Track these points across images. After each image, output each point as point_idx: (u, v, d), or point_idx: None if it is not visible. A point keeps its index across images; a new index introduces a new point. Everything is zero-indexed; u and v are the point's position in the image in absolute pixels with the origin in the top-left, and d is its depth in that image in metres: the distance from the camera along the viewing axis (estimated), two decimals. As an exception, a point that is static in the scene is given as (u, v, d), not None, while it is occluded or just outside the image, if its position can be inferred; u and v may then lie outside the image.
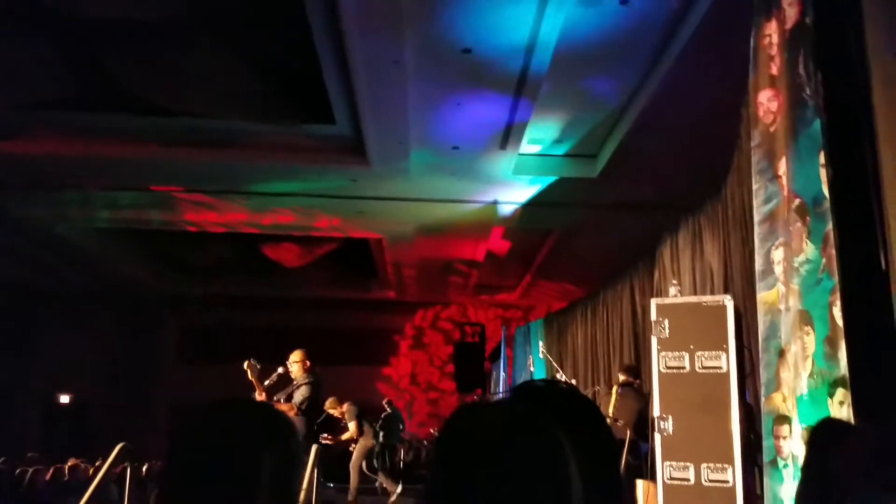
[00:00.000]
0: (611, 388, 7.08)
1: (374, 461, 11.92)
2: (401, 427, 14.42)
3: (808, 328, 3.89)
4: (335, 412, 10.72)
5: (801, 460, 3.11)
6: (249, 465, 1.27)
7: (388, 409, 14.09)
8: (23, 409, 18.25)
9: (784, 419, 4.10)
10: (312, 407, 7.24)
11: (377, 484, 11.61)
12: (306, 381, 7.13)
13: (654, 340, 6.01)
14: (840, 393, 3.60)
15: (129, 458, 4.98)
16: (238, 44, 8.05)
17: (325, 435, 9.81)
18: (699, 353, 5.74)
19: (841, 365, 3.59)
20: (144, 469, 11.13)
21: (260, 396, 6.78)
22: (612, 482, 1.38)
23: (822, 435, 2.70)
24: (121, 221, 13.32)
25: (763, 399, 4.39)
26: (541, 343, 11.78)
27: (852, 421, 3.48)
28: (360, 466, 10.95)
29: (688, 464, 5.58)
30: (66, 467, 10.00)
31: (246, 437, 1.30)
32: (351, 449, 10.89)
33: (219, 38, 7.90)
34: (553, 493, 1.01)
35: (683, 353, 5.80)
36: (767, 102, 4.44)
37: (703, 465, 5.50)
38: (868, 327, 3.59)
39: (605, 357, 10.74)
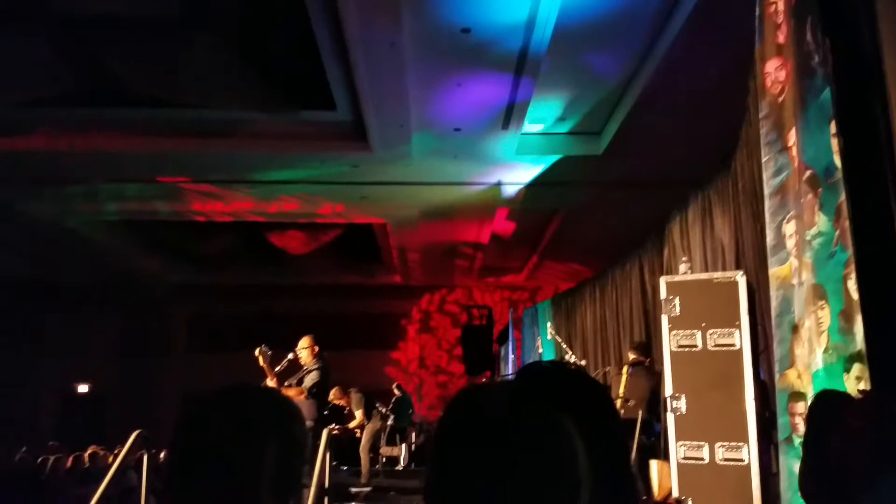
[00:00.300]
0: (621, 369, 7.02)
1: (382, 443, 11.96)
2: (410, 411, 14.45)
3: (822, 302, 3.81)
4: (340, 402, 10.73)
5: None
6: (252, 450, 1.27)
7: (398, 393, 14.11)
8: (39, 399, 18.48)
9: (799, 396, 4.02)
10: (322, 391, 7.29)
11: (381, 462, 11.62)
12: (316, 366, 7.18)
13: (664, 319, 5.94)
14: (857, 368, 3.52)
15: (146, 444, 4.99)
16: (235, 33, 8.01)
17: (334, 425, 9.83)
18: (711, 330, 5.68)
19: (857, 339, 3.51)
20: (162, 455, 11.20)
21: (271, 382, 6.81)
22: (620, 464, 1.36)
23: (820, 409, 2.63)
24: (128, 213, 13.39)
25: (777, 376, 4.32)
26: (549, 324, 11.73)
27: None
28: (370, 448, 10.99)
29: (702, 443, 5.53)
30: (86, 455, 10.07)
31: (249, 423, 1.30)
32: (358, 435, 10.91)
33: (216, 28, 7.86)
34: (559, 476, 0.98)
35: (695, 331, 5.73)
36: (775, 72, 4.34)
37: (718, 444, 5.45)
38: (884, 300, 3.49)
39: (615, 337, 10.67)
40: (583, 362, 9.65)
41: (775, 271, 4.35)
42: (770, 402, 5.21)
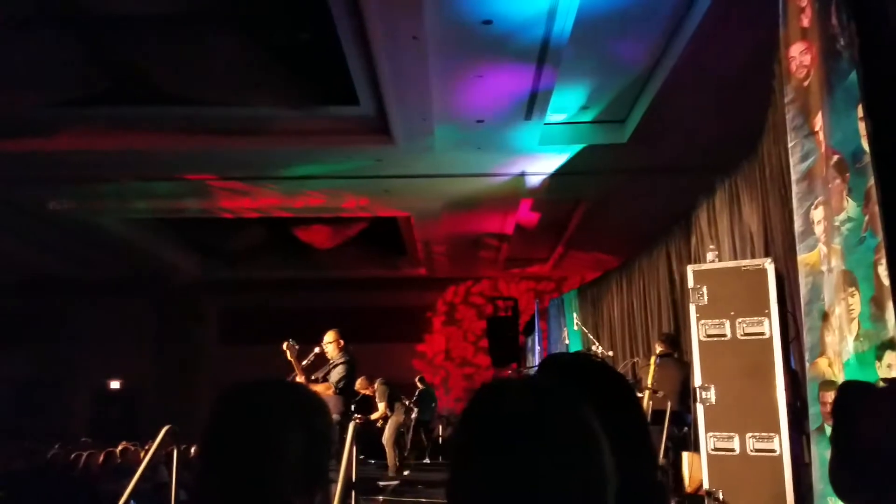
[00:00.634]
0: (649, 360, 6.96)
1: (405, 437, 11.99)
2: (433, 403, 14.48)
3: (852, 289, 3.75)
4: (367, 392, 10.80)
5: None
6: (278, 444, 1.28)
7: (421, 386, 14.13)
8: (72, 396, 18.80)
9: (830, 384, 3.96)
10: (349, 385, 7.32)
11: (406, 456, 11.65)
12: (342, 360, 7.21)
13: (692, 308, 5.88)
14: (889, 356, 3.46)
15: (176, 439, 5.05)
16: (259, 30, 8.06)
17: (357, 415, 9.88)
18: (740, 319, 5.60)
19: (889, 326, 3.45)
20: (193, 450, 11.33)
21: (299, 377, 6.85)
22: (644, 459, 1.34)
23: (846, 399, 2.58)
24: (157, 211, 13.59)
25: (808, 364, 4.26)
26: (575, 315, 11.67)
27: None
28: (395, 441, 11.02)
29: (732, 434, 5.47)
30: (118, 451, 10.21)
31: (275, 416, 1.31)
32: (379, 425, 10.96)
33: (240, 25, 7.91)
34: (583, 469, 0.96)
35: (724, 320, 5.66)
36: (799, 56, 4.26)
37: (748, 435, 5.38)
38: (917, 285, 3.43)
39: (643, 327, 10.59)
40: (610, 353, 9.60)
41: (804, 258, 4.28)
42: (801, 392, 5.14)
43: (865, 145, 3.59)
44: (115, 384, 19.29)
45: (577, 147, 9.97)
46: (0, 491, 8.32)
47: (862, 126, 3.61)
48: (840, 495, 2.70)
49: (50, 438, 12.81)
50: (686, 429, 6.50)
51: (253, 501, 1.27)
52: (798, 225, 4.33)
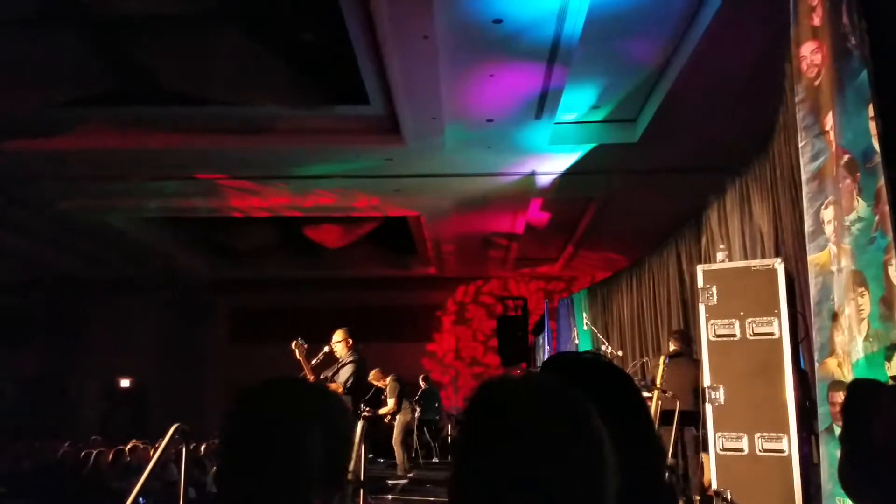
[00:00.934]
0: (659, 360, 6.94)
1: (412, 436, 12.00)
2: (437, 403, 14.47)
3: (862, 289, 3.73)
4: (379, 384, 10.83)
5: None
6: (298, 442, 1.28)
7: (424, 385, 14.13)
8: (83, 394, 18.90)
9: (839, 385, 3.95)
10: (358, 385, 7.33)
11: (414, 454, 11.67)
12: (350, 359, 7.23)
13: (701, 308, 5.86)
14: (899, 356, 3.45)
15: (185, 438, 5.06)
16: (270, 30, 8.08)
17: (367, 408, 9.90)
18: (750, 319, 5.58)
19: (899, 327, 3.44)
20: (203, 448, 11.39)
21: (308, 376, 6.87)
22: (650, 455, 1.33)
23: (855, 399, 2.57)
24: (168, 210, 13.63)
25: (817, 365, 4.24)
26: (585, 315, 11.66)
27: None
28: (402, 440, 11.03)
29: (741, 434, 5.45)
30: (127, 449, 10.27)
31: (296, 415, 1.31)
32: (387, 421, 10.98)
33: (250, 25, 7.93)
34: (583, 468, 0.96)
35: (733, 320, 5.64)
36: (810, 55, 4.24)
37: (757, 435, 5.37)
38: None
39: (653, 327, 10.58)
40: (619, 353, 9.58)
41: (814, 258, 4.27)
42: (810, 392, 5.13)
43: (876, 145, 3.58)
44: (125, 382, 19.36)
45: (588, 146, 9.95)
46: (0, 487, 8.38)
47: (872, 125, 3.60)
48: (849, 494, 2.69)
49: (60, 437, 12.91)
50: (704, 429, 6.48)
51: (274, 501, 1.27)
52: (808, 225, 4.32)
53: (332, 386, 6.95)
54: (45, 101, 9.02)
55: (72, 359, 18.79)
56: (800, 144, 4.42)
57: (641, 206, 11.84)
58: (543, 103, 8.72)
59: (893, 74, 3.62)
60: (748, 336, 5.57)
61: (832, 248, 4.06)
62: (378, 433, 11.15)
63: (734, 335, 5.63)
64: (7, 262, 16.12)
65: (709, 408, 5.67)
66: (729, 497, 5.40)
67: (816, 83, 4.21)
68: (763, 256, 6.69)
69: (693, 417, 6.49)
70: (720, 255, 6.46)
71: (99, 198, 12.45)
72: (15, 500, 8.73)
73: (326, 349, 7.38)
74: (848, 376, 3.87)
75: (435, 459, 13.66)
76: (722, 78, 7.61)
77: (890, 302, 3.50)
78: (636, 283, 11.58)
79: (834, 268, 4.02)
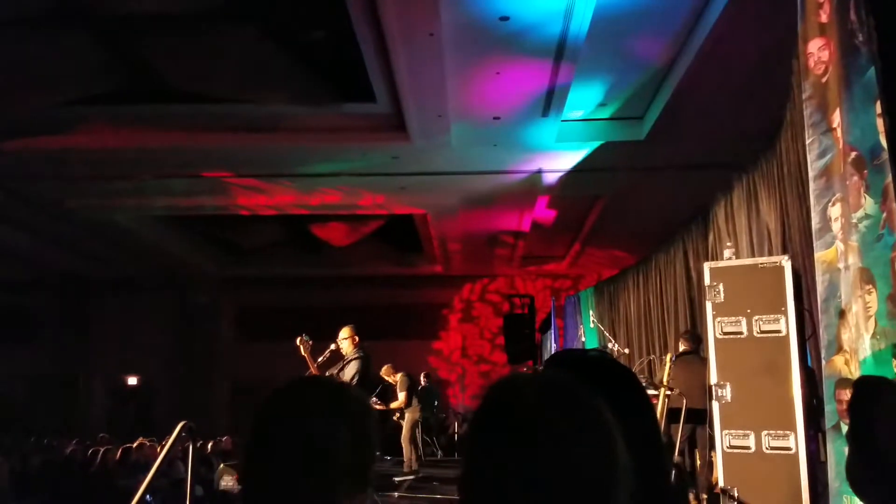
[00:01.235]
0: (666, 357, 6.94)
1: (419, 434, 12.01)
2: (435, 402, 14.47)
3: (869, 287, 3.72)
4: (389, 379, 10.84)
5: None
6: (327, 442, 1.27)
7: (425, 383, 14.13)
8: (90, 392, 18.98)
9: (846, 382, 3.93)
10: (363, 382, 7.33)
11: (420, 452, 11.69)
12: (356, 356, 7.24)
13: (708, 306, 5.85)
14: (906, 354, 3.43)
15: (192, 435, 5.07)
16: (276, 28, 8.09)
17: (376, 400, 9.92)
18: (757, 316, 5.57)
19: (906, 324, 3.43)
20: (210, 446, 11.44)
21: (313, 372, 6.89)
22: (655, 452, 1.33)
23: (862, 396, 2.55)
24: (175, 209, 13.66)
25: (824, 362, 4.23)
26: (591, 312, 11.63)
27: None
28: (410, 438, 11.04)
29: (748, 431, 5.44)
30: (134, 446, 10.31)
31: (324, 415, 1.30)
32: (396, 418, 10.99)
33: (256, 23, 7.94)
34: (596, 465, 0.96)
35: (740, 317, 5.63)
36: (818, 52, 4.23)
37: (764, 433, 5.36)
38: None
39: (660, 325, 10.55)
40: (626, 351, 9.56)
41: (821, 255, 4.25)
42: (817, 390, 5.11)
43: (883, 142, 3.57)
44: (132, 380, 19.43)
45: (595, 144, 9.94)
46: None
47: (880, 122, 3.59)
48: (857, 493, 2.68)
49: (68, 435, 12.97)
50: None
51: (304, 502, 1.26)
52: (815, 222, 4.30)
53: None
54: (51, 99, 9.05)
55: (79, 357, 18.88)
56: (807, 141, 4.40)
57: (648, 203, 11.83)
58: (550, 101, 8.71)
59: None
60: (755, 333, 5.56)
61: (839, 245, 4.04)
62: (385, 429, 11.17)
63: (741, 332, 5.62)
64: (15, 260, 16.20)
65: (716, 405, 5.67)
66: (736, 495, 5.39)
67: (824, 80, 4.20)
68: (770, 254, 6.67)
69: (705, 415, 6.48)
70: (727, 253, 6.44)
71: (105, 196, 12.49)
72: (23, 497, 8.77)
73: (333, 347, 7.39)
74: (855, 373, 3.86)
75: (440, 454, 13.66)
76: (729, 75, 7.59)
77: (898, 299, 3.49)
78: (643, 280, 11.56)
79: (841, 265, 4.01)
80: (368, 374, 7.63)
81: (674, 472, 5.71)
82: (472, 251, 16.49)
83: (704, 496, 6.53)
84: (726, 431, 5.58)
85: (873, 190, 3.67)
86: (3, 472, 8.58)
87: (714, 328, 5.76)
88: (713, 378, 5.72)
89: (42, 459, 10.33)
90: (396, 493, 8.78)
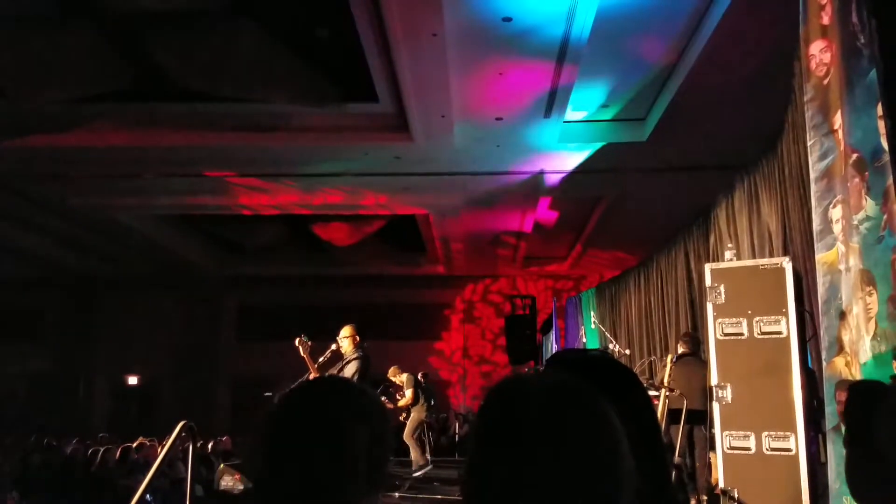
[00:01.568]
0: (666, 358, 6.95)
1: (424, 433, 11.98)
2: (432, 402, 14.45)
3: (870, 288, 3.73)
4: (397, 380, 10.85)
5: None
6: (344, 442, 1.27)
7: (421, 382, 14.11)
8: (91, 391, 18.99)
9: (846, 384, 3.94)
10: (362, 381, 7.31)
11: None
12: (356, 355, 7.22)
13: (709, 307, 5.86)
14: (906, 356, 3.44)
15: (192, 435, 5.07)
16: (280, 28, 8.10)
17: (385, 399, 9.91)
18: (758, 318, 5.57)
19: (907, 326, 3.43)
20: (210, 446, 11.44)
21: (312, 373, 6.89)
22: (656, 452, 1.33)
23: (859, 399, 2.56)
24: (177, 207, 13.67)
25: (825, 363, 4.24)
26: (593, 313, 11.64)
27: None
28: (416, 436, 11.03)
29: (748, 432, 5.44)
30: (135, 446, 10.33)
31: (342, 415, 1.30)
32: (402, 418, 10.99)
33: (260, 22, 7.95)
34: (600, 465, 0.96)
35: (741, 318, 5.63)
36: (819, 54, 4.23)
37: (765, 434, 5.36)
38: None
39: (661, 326, 10.56)
40: (627, 352, 9.57)
41: (822, 257, 4.26)
42: (818, 391, 5.11)
43: (885, 143, 3.57)
44: (133, 380, 19.43)
45: (597, 145, 9.94)
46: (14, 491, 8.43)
47: (881, 124, 3.60)
48: (856, 496, 2.69)
49: (69, 433, 12.98)
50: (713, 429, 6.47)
51: (322, 499, 1.26)
52: (816, 224, 4.31)
53: None
54: (57, 97, 9.06)
55: (81, 356, 18.90)
56: (808, 143, 4.41)
57: (650, 204, 11.83)
58: (552, 102, 8.72)
59: (902, 73, 3.62)
60: (756, 335, 5.56)
61: (840, 247, 4.05)
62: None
63: (742, 334, 5.62)
64: (17, 259, 16.21)
65: (716, 406, 5.67)
66: (736, 496, 5.39)
67: (825, 82, 4.20)
68: (771, 255, 6.68)
69: (703, 417, 6.48)
70: (728, 254, 6.44)
71: (108, 195, 12.50)
72: (24, 496, 8.78)
73: (333, 346, 7.38)
74: (856, 375, 3.86)
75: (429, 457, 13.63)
76: (731, 77, 7.60)
77: (898, 301, 3.49)
78: (644, 281, 11.57)
79: (842, 267, 4.02)
80: (368, 374, 7.63)
81: (674, 472, 5.72)
82: (474, 251, 16.49)
83: (704, 497, 6.54)
84: (727, 432, 5.58)
85: (874, 192, 3.68)
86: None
87: (715, 329, 5.76)
88: (714, 379, 5.72)
89: (43, 458, 10.35)
90: (397, 494, 8.78)
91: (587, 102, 9.05)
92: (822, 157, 4.22)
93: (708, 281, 5.91)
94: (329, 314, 13.21)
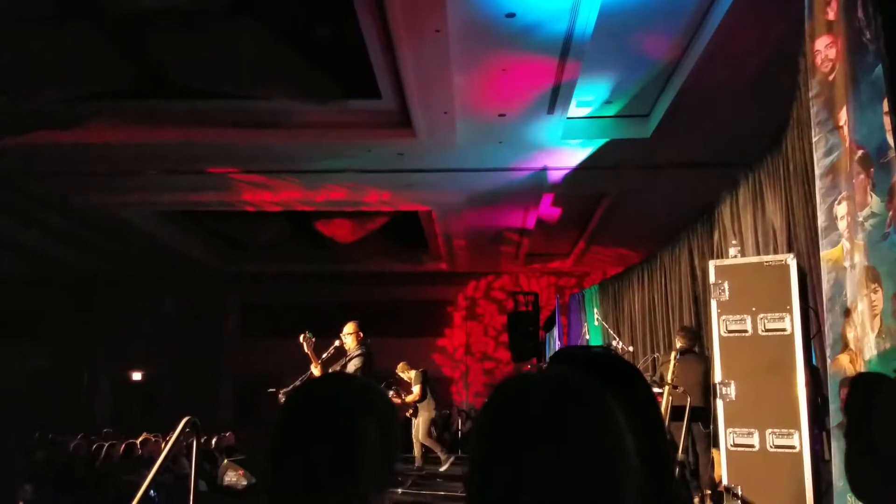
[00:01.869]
0: (670, 355, 6.93)
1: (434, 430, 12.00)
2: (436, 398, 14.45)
3: (875, 285, 3.70)
4: (405, 376, 10.86)
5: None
6: (355, 437, 1.27)
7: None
8: (95, 387, 19.01)
9: (850, 381, 3.92)
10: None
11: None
12: (359, 352, 7.25)
13: (713, 304, 5.84)
14: (912, 353, 3.42)
15: (196, 431, 5.06)
16: (282, 24, 8.09)
17: (392, 393, 9.91)
18: (762, 315, 5.54)
19: (912, 323, 3.41)
20: (214, 442, 11.45)
21: (315, 369, 6.91)
22: (660, 449, 1.33)
23: (859, 395, 2.54)
24: (180, 204, 13.68)
25: (829, 361, 4.22)
26: (596, 310, 11.62)
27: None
28: (429, 434, 11.04)
29: (752, 430, 5.42)
30: (138, 442, 10.34)
31: (353, 410, 1.30)
32: (409, 414, 10.99)
33: (262, 19, 7.95)
34: (605, 462, 0.96)
35: (745, 315, 5.61)
36: (825, 49, 4.21)
37: (768, 431, 5.34)
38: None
39: (664, 323, 10.54)
40: (630, 349, 9.55)
41: (827, 254, 4.24)
42: (822, 388, 5.10)
43: (890, 140, 3.55)
44: (136, 376, 19.47)
45: (601, 142, 9.93)
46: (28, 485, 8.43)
47: (887, 120, 3.57)
48: (857, 494, 2.67)
49: (72, 430, 12.99)
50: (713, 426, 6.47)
51: (333, 498, 1.26)
52: (821, 220, 4.28)
53: None
54: (58, 95, 9.07)
55: (84, 352, 18.93)
56: (813, 139, 4.39)
57: (653, 201, 11.81)
58: (556, 98, 8.70)
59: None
60: (760, 332, 5.54)
61: (845, 243, 4.03)
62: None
63: (746, 331, 5.60)
64: (20, 256, 16.24)
65: (720, 403, 5.65)
66: (740, 493, 5.38)
67: (831, 78, 4.18)
68: (775, 252, 6.65)
69: (702, 414, 6.47)
70: (732, 251, 6.42)
71: (111, 192, 12.52)
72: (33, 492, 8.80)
73: (337, 343, 7.40)
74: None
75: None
76: (735, 72, 7.58)
77: (903, 298, 3.47)
78: (648, 278, 11.55)
79: (847, 264, 3.99)
80: (371, 371, 7.64)
81: (677, 469, 5.71)
82: (476, 248, 16.49)
83: (708, 492, 6.53)
84: (730, 429, 5.57)
85: (880, 188, 3.65)
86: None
87: (719, 326, 5.74)
88: (717, 376, 5.70)
89: (47, 455, 10.37)
90: (400, 490, 8.79)
91: (591, 98, 9.04)
92: (827, 153, 4.20)
93: (712, 278, 5.88)
94: (332, 311, 13.18)
